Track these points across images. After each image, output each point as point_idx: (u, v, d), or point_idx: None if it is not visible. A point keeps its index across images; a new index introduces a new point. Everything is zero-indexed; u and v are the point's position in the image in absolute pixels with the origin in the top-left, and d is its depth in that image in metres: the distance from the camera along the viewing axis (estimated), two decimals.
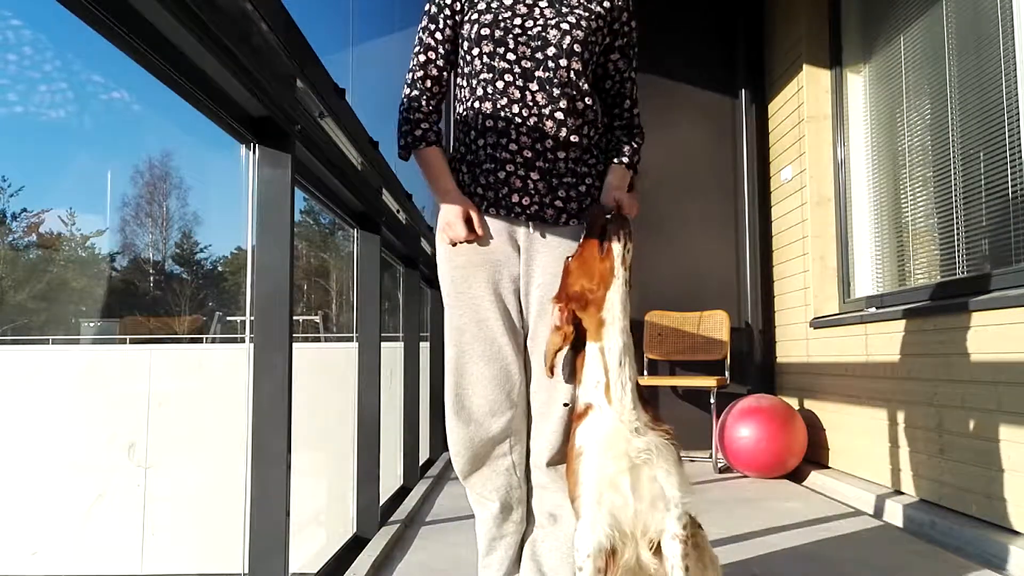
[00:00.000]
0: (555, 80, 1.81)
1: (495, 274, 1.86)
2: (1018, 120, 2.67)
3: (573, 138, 1.85)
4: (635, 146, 1.98)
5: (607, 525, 1.54)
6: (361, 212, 2.89)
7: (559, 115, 1.82)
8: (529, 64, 1.82)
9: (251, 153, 1.82)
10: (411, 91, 1.92)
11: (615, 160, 1.95)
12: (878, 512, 3.23)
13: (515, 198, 1.83)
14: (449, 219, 1.85)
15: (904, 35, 3.60)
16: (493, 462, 1.90)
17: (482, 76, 1.84)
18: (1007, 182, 2.79)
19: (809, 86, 4.38)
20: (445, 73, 1.94)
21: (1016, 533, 2.47)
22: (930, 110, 3.38)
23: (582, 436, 1.60)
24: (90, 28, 1.24)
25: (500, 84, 1.82)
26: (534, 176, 1.83)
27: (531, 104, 1.81)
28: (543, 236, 1.85)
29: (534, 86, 1.81)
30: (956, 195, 3.14)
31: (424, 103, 1.92)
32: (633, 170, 1.97)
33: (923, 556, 2.59)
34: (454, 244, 1.88)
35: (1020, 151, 2.68)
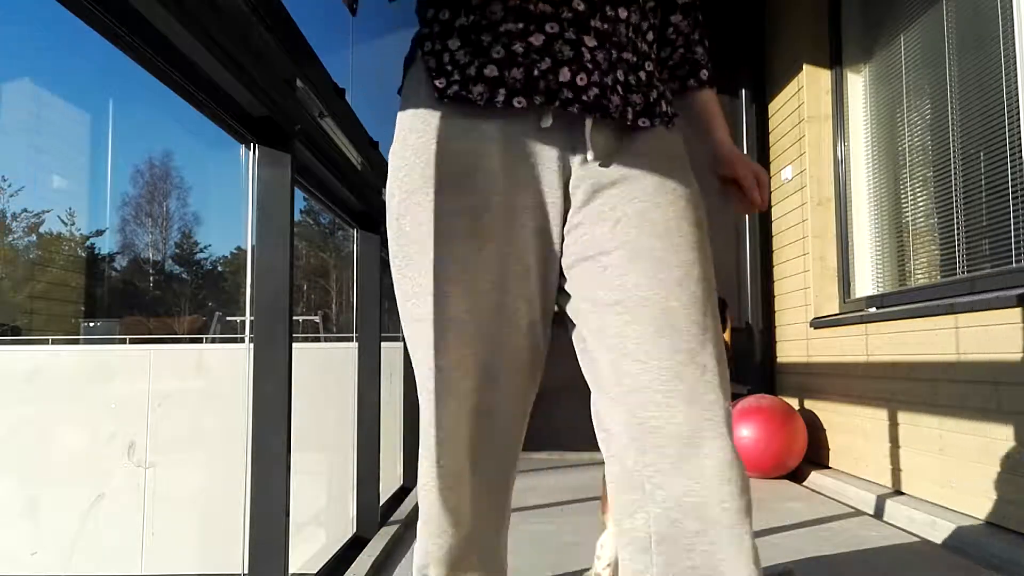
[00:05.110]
0: None
1: (516, 233, 1.15)
2: (1019, 120, 2.67)
3: None
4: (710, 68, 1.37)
5: None
6: (361, 212, 2.89)
7: None
8: None
9: (251, 153, 1.82)
10: None
11: (695, 83, 1.33)
12: (878, 512, 3.23)
13: (565, 74, 1.12)
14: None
15: (905, 35, 3.60)
16: None
17: None
18: (1007, 182, 2.78)
19: (809, 86, 4.37)
20: None
21: (1017, 534, 2.47)
22: (930, 110, 3.38)
23: None
24: (90, 28, 1.24)
25: None
26: (590, 41, 1.14)
27: None
28: (631, 146, 1.16)
29: None
30: (956, 195, 3.14)
31: None
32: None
33: (923, 556, 2.59)
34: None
35: (1021, 151, 2.68)
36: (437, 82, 1.14)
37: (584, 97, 1.12)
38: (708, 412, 1.06)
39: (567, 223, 1.16)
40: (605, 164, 1.14)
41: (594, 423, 1.19)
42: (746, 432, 4.09)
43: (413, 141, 1.17)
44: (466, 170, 1.12)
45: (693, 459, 1.04)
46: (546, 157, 1.14)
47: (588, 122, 1.13)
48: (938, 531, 2.76)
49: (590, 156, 1.13)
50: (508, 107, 1.11)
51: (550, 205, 1.15)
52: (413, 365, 1.20)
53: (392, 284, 1.21)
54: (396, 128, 1.22)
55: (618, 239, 1.11)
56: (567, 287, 1.18)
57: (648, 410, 1.07)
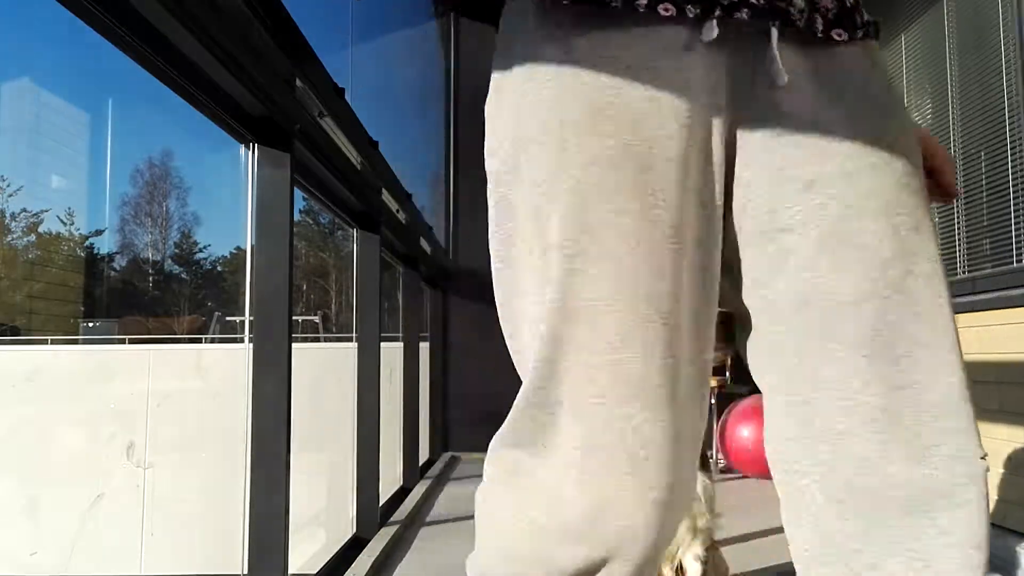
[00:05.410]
0: None
1: (672, 189, 0.78)
2: (1019, 119, 2.66)
3: None
4: None
5: None
6: (360, 212, 2.88)
7: None
8: None
9: (251, 153, 1.82)
10: None
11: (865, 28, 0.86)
12: None
13: None
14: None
15: (905, 34, 3.60)
16: None
17: None
18: (1008, 181, 2.78)
19: None
20: None
21: (1017, 534, 2.47)
22: (931, 109, 3.38)
23: None
24: (90, 28, 1.24)
25: None
26: None
27: None
28: (827, 71, 0.81)
29: None
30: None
31: None
32: None
33: None
34: None
35: (1021, 150, 2.68)
36: None
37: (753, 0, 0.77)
38: (942, 471, 0.75)
39: (735, 178, 0.81)
40: (795, 94, 0.79)
41: (767, 453, 0.84)
42: (746, 432, 4.08)
43: (516, 80, 0.82)
44: (597, 108, 0.77)
45: (920, 534, 0.75)
46: (707, 86, 0.78)
47: (774, 31, 0.78)
48: None
49: (781, 80, 0.78)
50: (652, 14, 0.77)
51: (712, 152, 0.80)
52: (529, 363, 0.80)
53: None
54: (491, 83, 0.86)
55: (808, 213, 0.78)
56: (738, 267, 0.84)
57: (855, 465, 0.77)
